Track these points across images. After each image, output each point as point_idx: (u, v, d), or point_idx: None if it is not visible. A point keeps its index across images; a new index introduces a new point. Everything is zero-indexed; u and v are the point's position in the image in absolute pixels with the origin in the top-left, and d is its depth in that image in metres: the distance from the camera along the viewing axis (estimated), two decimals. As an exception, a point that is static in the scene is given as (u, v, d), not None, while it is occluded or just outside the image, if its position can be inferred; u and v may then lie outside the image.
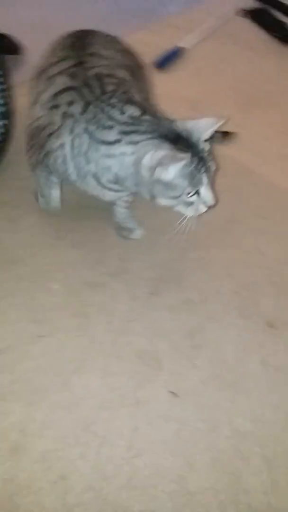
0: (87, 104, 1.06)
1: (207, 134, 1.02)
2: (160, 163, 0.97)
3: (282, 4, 2.16)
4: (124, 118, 1.03)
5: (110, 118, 1.03)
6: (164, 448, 0.95)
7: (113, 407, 0.99)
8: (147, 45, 1.91)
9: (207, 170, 1.02)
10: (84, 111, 1.05)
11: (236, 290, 1.21)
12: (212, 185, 1.05)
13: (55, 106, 1.09)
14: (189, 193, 1.02)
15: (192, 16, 2.13)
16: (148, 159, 0.99)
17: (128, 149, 1.01)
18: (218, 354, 1.09)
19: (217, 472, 0.92)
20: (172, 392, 1.02)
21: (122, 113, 1.03)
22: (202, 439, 0.96)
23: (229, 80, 1.87)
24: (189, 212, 1.05)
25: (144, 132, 1.01)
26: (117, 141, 1.02)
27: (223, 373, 1.06)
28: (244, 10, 2.12)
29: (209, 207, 1.05)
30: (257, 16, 2.10)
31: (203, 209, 1.05)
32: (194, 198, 1.03)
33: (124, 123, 1.03)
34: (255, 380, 1.06)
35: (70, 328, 1.11)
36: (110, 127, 1.03)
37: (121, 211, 1.29)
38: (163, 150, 0.97)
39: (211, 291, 1.20)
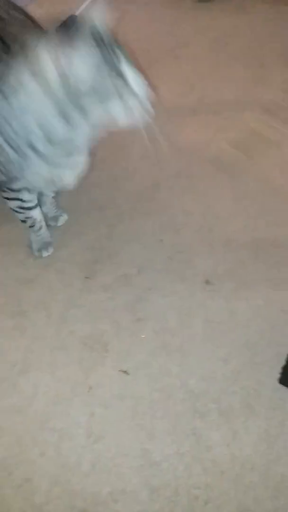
0: None
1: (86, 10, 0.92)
2: (62, 58, 0.84)
3: None
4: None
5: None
6: (123, 427, 0.95)
7: (66, 398, 0.98)
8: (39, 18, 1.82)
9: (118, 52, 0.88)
10: None
11: (170, 255, 1.21)
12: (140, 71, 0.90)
13: None
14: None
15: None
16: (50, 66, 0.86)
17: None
18: (162, 322, 1.09)
19: (178, 437, 0.94)
20: (123, 371, 1.02)
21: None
22: (159, 409, 0.97)
23: (128, 39, 1.81)
24: (121, 114, 0.90)
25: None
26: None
27: (169, 340, 1.06)
28: None
29: (141, 101, 0.91)
30: None
31: (135, 104, 0.90)
32: (123, 88, 0.88)
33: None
34: (201, 339, 1.07)
35: (8, 331, 1.07)
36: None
37: (50, 200, 1.23)
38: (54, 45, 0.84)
39: (145, 262, 1.19)
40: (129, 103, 0.90)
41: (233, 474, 0.90)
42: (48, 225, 1.24)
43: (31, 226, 1.16)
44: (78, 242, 1.23)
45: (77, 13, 1.89)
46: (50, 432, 0.94)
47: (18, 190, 1.05)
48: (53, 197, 1.24)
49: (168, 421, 0.96)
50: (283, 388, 1.00)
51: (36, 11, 1.83)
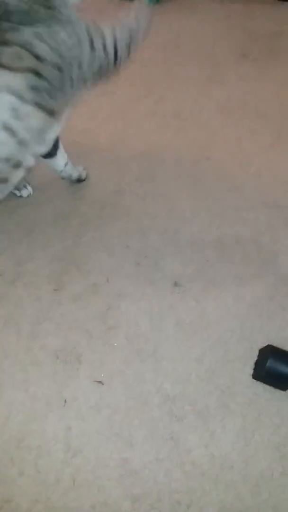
0: None
1: None
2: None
3: None
4: None
5: None
6: (101, 438, 0.94)
7: (42, 415, 0.97)
8: None
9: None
10: None
11: (137, 260, 1.21)
12: None
13: None
14: None
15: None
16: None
17: None
18: (134, 328, 1.09)
19: (157, 443, 0.94)
20: (97, 381, 1.01)
21: None
22: (135, 416, 0.97)
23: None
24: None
25: None
26: None
27: (142, 345, 1.06)
28: None
29: None
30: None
31: None
32: None
33: None
34: (173, 342, 1.07)
35: (-22, 351, 1.05)
36: None
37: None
38: None
39: (113, 269, 1.19)
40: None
41: (213, 475, 0.90)
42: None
43: None
44: (45, 254, 1.21)
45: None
46: (27, 450, 0.92)
47: None
48: None
49: (145, 428, 0.95)
50: (256, 383, 1.01)
51: None
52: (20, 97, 0.94)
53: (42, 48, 0.94)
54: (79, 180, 1.35)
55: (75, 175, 1.34)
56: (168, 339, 1.08)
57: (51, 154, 1.25)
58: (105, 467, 0.91)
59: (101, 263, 1.21)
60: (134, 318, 1.11)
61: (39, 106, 0.97)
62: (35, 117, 0.97)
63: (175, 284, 1.17)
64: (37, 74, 0.94)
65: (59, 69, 0.96)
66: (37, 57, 0.94)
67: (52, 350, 1.06)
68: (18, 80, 0.93)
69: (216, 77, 1.72)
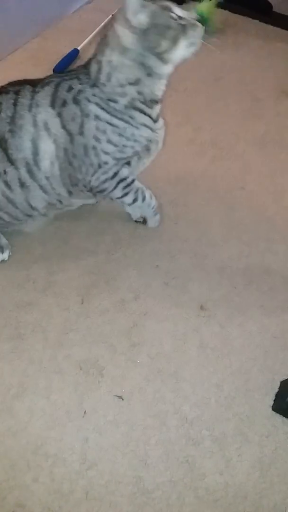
0: None
1: None
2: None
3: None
4: None
5: None
6: (117, 453, 0.95)
7: (61, 423, 0.98)
8: (45, 52, 1.89)
9: None
10: None
11: (166, 281, 1.23)
12: None
13: None
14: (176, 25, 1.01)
15: (86, 17, 2.11)
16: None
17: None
18: (157, 348, 1.10)
19: (172, 464, 0.94)
20: (118, 396, 1.03)
21: None
22: (152, 435, 0.97)
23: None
24: (192, 39, 1.06)
25: None
26: None
27: (164, 365, 1.07)
28: (134, 2, 2.13)
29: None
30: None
31: (197, 31, 1.05)
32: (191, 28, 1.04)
33: None
34: (195, 365, 1.08)
35: (5, 353, 1.08)
36: None
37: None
38: None
39: (141, 287, 1.21)
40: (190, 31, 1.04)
41: (226, 503, 0.90)
42: None
43: (143, 200, 1.23)
44: (76, 267, 1.25)
45: (79, 47, 1.97)
46: (44, 457, 0.94)
47: (116, 173, 1.16)
48: None
49: (161, 448, 0.96)
50: (276, 415, 1.01)
51: (40, 44, 1.92)
52: None
53: None
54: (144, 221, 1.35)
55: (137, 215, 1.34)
56: (190, 362, 1.09)
57: None
58: (119, 483, 0.91)
59: (130, 280, 1.23)
60: (158, 337, 1.13)
61: None
62: None
63: (201, 307, 1.18)
64: None
65: None
66: None
67: (76, 360, 1.08)
68: None
69: (255, 111, 1.77)
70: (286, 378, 1.05)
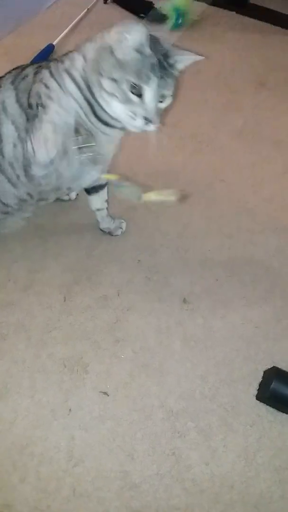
0: None
1: (181, 61, 1.00)
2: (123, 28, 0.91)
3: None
4: None
5: None
6: (103, 449, 0.95)
7: (46, 422, 0.98)
8: (19, 48, 1.86)
9: (158, 78, 0.92)
10: None
11: (148, 276, 1.23)
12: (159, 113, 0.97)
13: None
14: (131, 85, 0.91)
15: (61, 12, 2.09)
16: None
17: None
18: (141, 342, 1.11)
19: (158, 457, 0.94)
20: (103, 392, 1.02)
21: None
22: (138, 429, 0.98)
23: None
24: (123, 113, 0.95)
25: None
26: None
27: (148, 359, 1.08)
28: (108, -4, 2.12)
29: (146, 123, 0.95)
30: (122, 0, 2.10)
31: (139, 118, 0.94)
32: (135, 99, 0.92)
33: None
34: (179, 358, 1.08)
35: (-13, 355, 1.07)
36: None
37: None
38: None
39: (123, 282, 1.21)
40: (133, 106, 0.94)
41: (213, 493, 0.90)
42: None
43: None
44: (57, 264, 1.24)
45: (54, 42, 1.95)
46: (30, 457, 0.93)
47: None
48: None
49: (147, 442, 0.96)
50: (260, 404, 1.02)
51: (15, 40, 1.89)
52: None
53: None
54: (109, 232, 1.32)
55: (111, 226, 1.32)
56: (174, 355, 1.09)
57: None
58: (106, 479, 0.92)
59: (112, 276, 1.23)
60: (142, 332, 1.13)
61: None
62: None
63: (184, 301, 1.19)
64: None
65: None
66: None
67: (60, 358, 1.07)
68: None
69: (233, 104, 1.77)
70: (269, 367, 1.06)
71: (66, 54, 1.01)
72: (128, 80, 0.91)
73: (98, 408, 1.00)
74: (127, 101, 0.93)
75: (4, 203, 1.13)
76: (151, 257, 1.27)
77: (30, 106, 0.99)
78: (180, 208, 1.39)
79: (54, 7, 2.12)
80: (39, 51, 1.79)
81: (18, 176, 1.08)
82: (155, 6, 2.12)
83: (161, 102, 0.96)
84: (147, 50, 0.90)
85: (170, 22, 2.07)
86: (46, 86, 0.97)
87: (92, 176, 1.13)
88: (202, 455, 0.95)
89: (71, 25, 1.94)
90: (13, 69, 1.07)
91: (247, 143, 1.62)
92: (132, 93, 0.92)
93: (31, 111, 0.99)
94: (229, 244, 1.32)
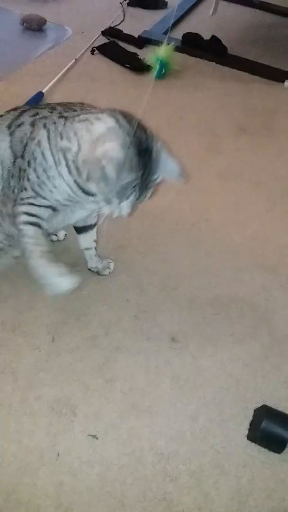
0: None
1: (165, 175, 1.03)
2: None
3: (128, 36, 2.31)
4: None
5: None
6: (92, 495, 0.92)
7: (33, 468, 0.95)
8: (9, 95, 1.93)
9: (140, 195, 1.00)
10: None
11: (136, 314, 1.23)
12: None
13: None
14: (113, 197, 0.97)
15: (50, 61, 2.19)
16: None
17: None
18: (130, 383, 1.10)
19: (149, 503, 0.92)
20: (92, 435, 1.00)
21: None
22: (129, 474, 0.95)
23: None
24: (104, 208, 1.01)
25: None
26: None
27: (138, 400, 1.07)
28: (95, 47, 2.23)
29: (120, 216, 1.02)
30: (108, 51, 2.21)
31: (115, 213, 1.02)
32: (115, 202, 0.99)
33: None
34: (169, 398, 1.08)
35: (-27, 399, 1.05)
36: None
37: None
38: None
39: (112, 322, 1.21)
40: (112, 206, 1.00)
41: (206, 539, 0.88)
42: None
43: (30, 255, 1.08)
44: (45, 305, 1.24)
45: (44, 90, 2.03)
46: (17, 505, 0.90)
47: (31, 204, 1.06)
48: None
49: (138, 487, 0.94)
50: (251, 444, 1.01)
51: (5, 87, 1.97)
52: None
53: None
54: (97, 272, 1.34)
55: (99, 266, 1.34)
56: (164, 395, 1.08)
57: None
58: (95, 527, 0.88)
59: (101, 315, 1.23)
60: (131, 372, 1.12)
61: None
62: None
63: (172, 339, 1.19)
64: None
65: None
66: None
67: (48, 401, 1.05)
68: None
69: (215, 148, 1.85)
70: (259, 406, 1.06)
71: (64, 117, 1.03)
72: (110, 194, 0.96)
73: (87, 452, 0.98)
74: (107, 201, 0.99)
75: None
76: (139, 296, 1.29)
77: (22, 157, 1.03)
78: (167, 248, 1.42)
79: (43, 57, 2.22)
80: (29, 98, 1.86)
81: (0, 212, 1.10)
82: (139, 56, 2.25)
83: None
84: (132, 175, 0.94)
85: (153, 72, 2.20)
86: (43, 157, 1.00)
87: (79, 217, 1.17)
88: (195, 500, 0.93)
89: (60, 74, 2.04)
90: (11, 110, 1.10)
91: (229, 184, 1.68)
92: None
93: (22, 162, 1.03)
94: (215, 282, 1.35)
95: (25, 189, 1.03)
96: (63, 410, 1.04)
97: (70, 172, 0.99)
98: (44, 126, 1.01)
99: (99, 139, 0.94)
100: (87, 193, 1.01)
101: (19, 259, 1.26)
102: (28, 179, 1.02)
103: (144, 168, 0.96)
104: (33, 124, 1.03)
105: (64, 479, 0.94)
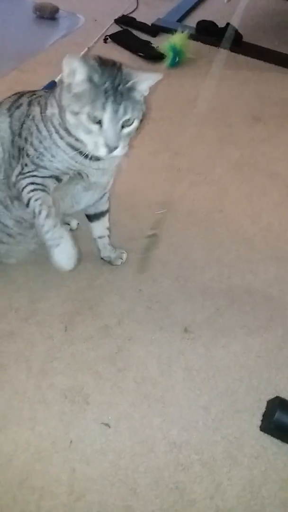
0: None
1: (140, 83, 0.96)
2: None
3: (141, 24, 2.29)
4: None
5: None
6: (105, 483, 0.93)
7: (47, 455, 0.96)
8: (22, 84, 1.92)
9: (114, 104, 0.93)
10: None
11: (149, 305, 1.23)
12: (122, 138, 0.96)
13: None
14: (88, 115, 0.93)
15: (62, 50, 2.17)
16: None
17: None
18: (143, 372, 1.10)
19: (161, 491, 0.92)
20: (104, 423, 1.01)
21: None
22: (141, 463, 0.96)
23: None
24: (89, 143, 0.96)
25: None
26: None
27: (150, 390, 1.07)
28: (108, 35, 2.21)
29: (110, 150, 0.95)
30: (121, 39, 2.20)
31: (102, 147, 0.95)
32: (95, 128, 0.94)
33: None
34: (181, 388, 1.08)
35: (-13, 386, 1.06)
36: None
37: None
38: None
39: (125, 312, 1.22)
40: (94, 136, 0.95)
41: (218, 528, 0.88)
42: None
43: (38, 215, 1.05)
44: (59, 294, 1.24)
45: (56, 79, 2.02)
46: (30, 491, 0.91)
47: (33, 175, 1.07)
48: None
49: (150, 475, 0.94)
50: (264, 435, 1.01)
51: (18, 77, 1.96)
52: None
53: None
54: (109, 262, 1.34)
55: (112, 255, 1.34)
56: (176, 385, 1.09)
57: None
58: (108, 514, 0.89)
59: (113, 305, 1.23)
60: (144, 361, 1.12)
61: None
62: None
63: (185, 330, 1.19)
64: None
65: None
66: None
67: (61, 389, 1.06)
68: None
69: (229, 137, 1.83)
70: (272, 397, 1.05)
71: (49, 95, 1.05)
72: (85, 111, 0.93)
73: (99, 440, 0.99)
74: (88, 131, 0.95)
75: (3, 224, 1.15)
76: (151, 287, 1.28)
77: (19, 135, 1.06)
78: (179, 238, 1.42)
79: (56, 45, 2.21)
80: (42, 87, 1.86)
81: (5, 198, 1.12)
82: (153, 45, 2.22)
83: (125, 127, 0.97)
84: (98, 79, 0.92)
85: (167, 60, 2.18)
86: (38, 129, 1.03)
87: (88, 201, 1.18)
88: (207, 489, 0.93)
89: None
90: (13, 95, 1.13)
91: (243, 174, 1.66)
92: (92, 122, 0.94)
93: (19, 140, 1.06)
94: (228, 274, 1.34)
95: (26, 165, 1.05)
96: (76, 399, 1.05)
97: (61, 137, 1.01)
98: (38, 103, 1.05)
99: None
100: (86, 156, 0.99)
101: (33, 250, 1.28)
102: (28, 155, 1.04)
103: (111, 75, 0.94)
104: (29, 104, 1.06)
105: (77, 467, 0.95)
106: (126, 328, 1.19)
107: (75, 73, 0.93)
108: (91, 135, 0.95)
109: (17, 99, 1.10)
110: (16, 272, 1.27)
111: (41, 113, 1.03)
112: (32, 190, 1.03)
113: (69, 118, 0.96)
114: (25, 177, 1.04)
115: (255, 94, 2.04)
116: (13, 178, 1.06)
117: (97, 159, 1.03)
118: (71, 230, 1.40)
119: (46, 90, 1.12)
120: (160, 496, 0.92)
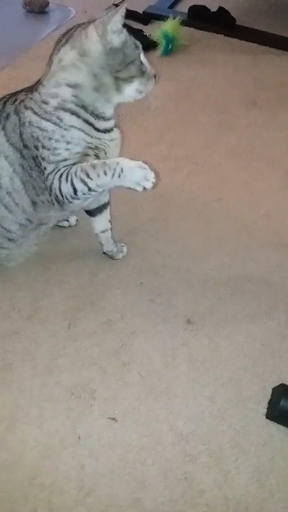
0: None
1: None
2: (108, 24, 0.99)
3: (132, 12, 2.24)
4: None
5: None
6: (114, 477, 0.94)
7: (55, 452, 0.97)
8: (15, 81, 1.91)
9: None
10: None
11: (151, 298, 1.23)
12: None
13: None
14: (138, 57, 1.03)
15: (53, 44, 2.14)
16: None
17: None
18: (147, 365, 1.10)
19: (170, 482, 0.93)
20: (111, 418, 1.02)
21: None
22: (148, 455, 0.97)
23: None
24: (135, 92, 1.05)
25: None
26: None
27: (155, 382, 1.07)
28: (100, 26, 2.18)
29: (154, 78, 1.07)
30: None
31: (151, 81, 1.06)
32: (145, 64, 1.05)
33: None
34: (186, 380, 1.08)
35: (-7, 386, 1.07)
36: None
37: None
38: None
39: (127, 306, 1.22)
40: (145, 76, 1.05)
41: (227, 517, 0.89)
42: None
43: (90, 180, 1.06)
44: (60, 291, 1.24)
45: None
46: (41, 488, 0.93)
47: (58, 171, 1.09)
48: None
49: (159, 467, 0.95)
50: (270, 423, 1.01)
51: (11, 74, 1.95)
52: None
53: None
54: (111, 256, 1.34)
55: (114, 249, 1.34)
56: (181, 377, 1.09)
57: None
58: (118, 508, 0.90)
59: (116, 300, 1.24)
60: (148, 355, 1.13)
61: None
62: None
63: (188, 321, 1.19)
64: None
65: None
66: None
67: (67, 386, 1.07)
68: None
69: (225, 124, 1.80)
70: (277, 385, 1.06)
71: (36, 89, 1.05)
72: (137, 54, 1.03)
73: (107, 435, 1.00)
74: (141, 73, 1.03)
75: (6, 229, 1.15)
76: (153, 279, 1.28)
77: (26, 147, 1.05)
78: (179, 229, 1.41)
79: (48, 39, 2.18)
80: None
81: (17, 205, 1.11)
82: (145, 33, 2.19)
83: None
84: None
85: (160, 48, 2.14)
86: (41, 129, 1.03)
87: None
88: (215, 479, 0.94)
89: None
90: None
91: (241, 161, 1.64)
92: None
93: (28, 151, 1.05)
94: (229, 262, 1.33)
95: (45, 168, 1.06)
96: (82, 395, 1.05)
97: (78, 115, 1.03)
98: (25, 107, 1.05)
99: (83, 45, 1.01)
100: (99, 130, 1.06)
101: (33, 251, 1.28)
102: (43, 159, 1.04)
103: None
104: (16, 112, 1.06)
105: (86, 462, 0.96)
106: (129, 322, 1.19)
107: (110, 31, 0.98)
108: (142, 78, 1.03)
109: (3, 107, 1.09)
110: (16, 272, 1.27)
111: (35, 113, 1.03)
112: (66, 178, 1.02)
113: (124, 73, 1.01)
114: (53, 178, 1.04)
115: (250, 78, 2.01)
116: (44, 185, 1.08)
117: (108, 130, 1.08)
118: (70, 226, 1.40)
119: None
120: (168, 487, 0.93)
